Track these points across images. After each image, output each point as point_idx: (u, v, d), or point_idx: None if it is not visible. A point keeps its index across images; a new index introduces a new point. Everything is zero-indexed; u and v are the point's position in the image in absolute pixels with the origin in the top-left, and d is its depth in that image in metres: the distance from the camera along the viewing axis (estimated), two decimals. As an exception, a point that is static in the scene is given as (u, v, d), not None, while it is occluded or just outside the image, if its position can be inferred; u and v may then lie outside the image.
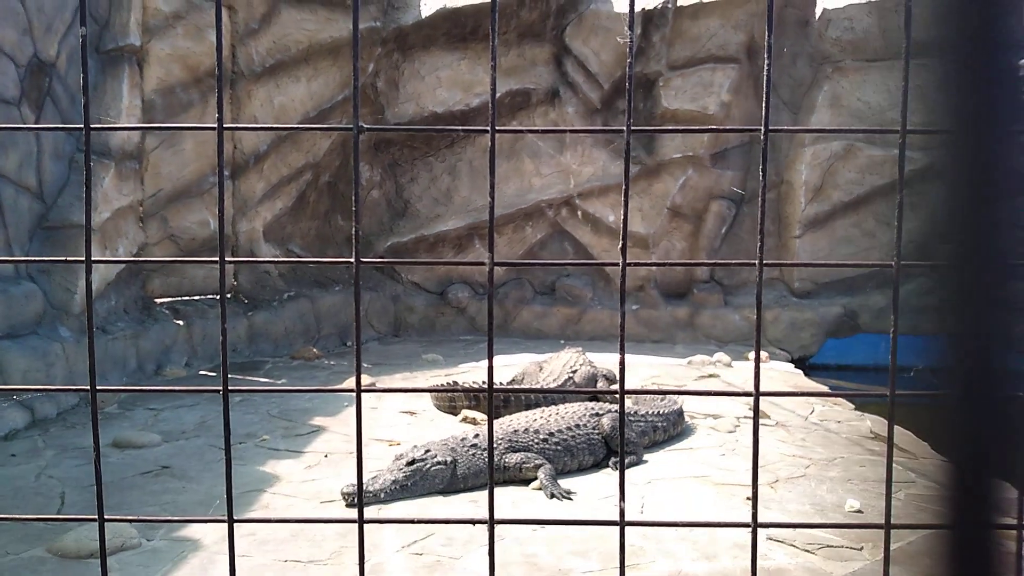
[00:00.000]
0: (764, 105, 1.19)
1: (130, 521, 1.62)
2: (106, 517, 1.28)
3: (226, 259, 1.25)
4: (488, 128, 1.22)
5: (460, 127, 1.38)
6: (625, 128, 1.20)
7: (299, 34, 9.61)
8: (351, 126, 1.22)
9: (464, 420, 6.37)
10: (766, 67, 1.13)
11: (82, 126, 1.22)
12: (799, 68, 10.83)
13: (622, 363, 1.42)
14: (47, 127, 1.31)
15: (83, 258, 1.25)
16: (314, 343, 9.69)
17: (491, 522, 1.37)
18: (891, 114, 10.53)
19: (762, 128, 1.21)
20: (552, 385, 6.84)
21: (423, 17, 10.52)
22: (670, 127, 1.63)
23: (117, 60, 7.67)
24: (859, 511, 4.49)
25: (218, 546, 3.87)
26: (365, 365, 8.64)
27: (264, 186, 9.65)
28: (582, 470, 5.26)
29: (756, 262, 1.29)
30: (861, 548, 3.97)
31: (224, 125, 1.24)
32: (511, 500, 4.67)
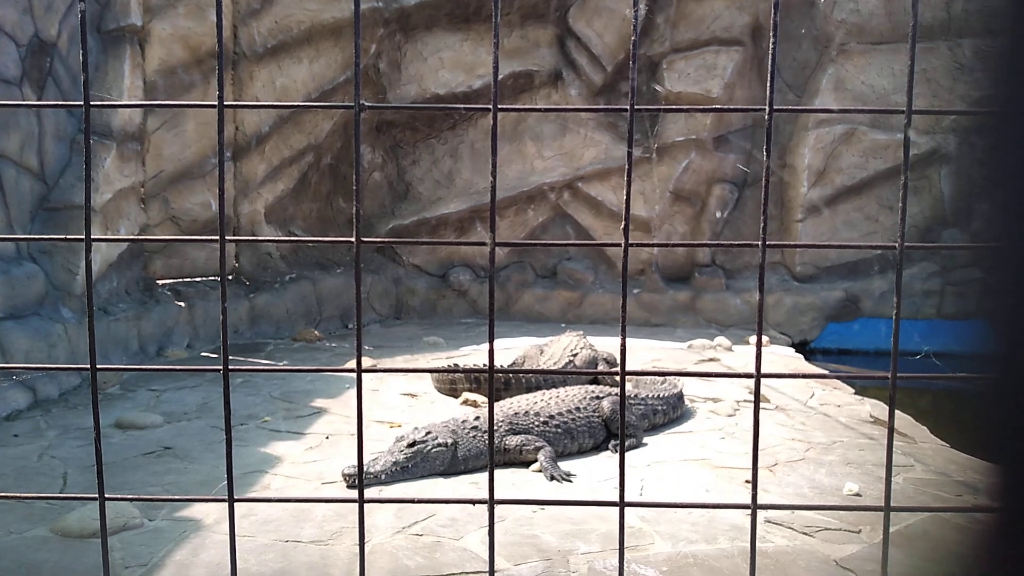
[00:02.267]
0: (769, 84, 1.18)
1: (131, 500, 1.63)
2: (107, 496, 1.29)
3: (226, 238, 1.25)
4: (490, 107, 1.21)
5: (462, 106, 1.37)
6: (629, 107, 1.19)
7: (301, 14, 9.56)
8: (352, 104, 1.21)
9: (465, 403, 6.38)
10: (771, 46, 1.12)
11: (81, 103, 1.21)
12: (803, 51, 10.76)
13: (623, 345, 1.42)
14: (47, 104, 1.30)
15: (83, 237, 1.25)
16: (316, 325, 9.70)
17: (491, 502, 1.37)
18: (896, 98, 10.47)
19: (766, 108, 1.20)
20: (553, 368, 6.86)
21: (425, -2, 10.45)
22: (673, 107, 1.63)
23: (118, 40, 7.63)
24: (857, 495, 4.50)
25: (219, 526, 3.89)
26: (366, 347, 8.65)
27: (266, 168, 9.63)
28: (582, 453, 5.27)
29: (759, 243, 1.28)
30: (859, 531, 3.99)
31: (224, 103, 1.23)
32: (511, 482, 4.69)
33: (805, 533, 3.94)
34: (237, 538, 3.73)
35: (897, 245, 1.18)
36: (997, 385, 0.80)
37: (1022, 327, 0.79)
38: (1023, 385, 0.79)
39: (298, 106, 1.33)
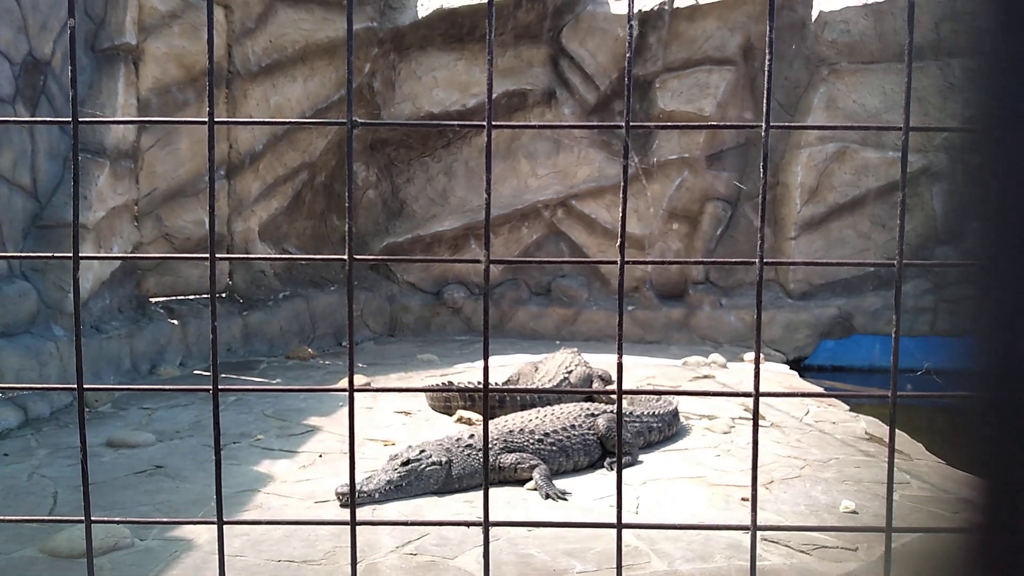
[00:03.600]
0: (766, 100, 1.18)
1: (116, 523, 1.60)
2: (93, 519, 1.27)
3: (216, 255, 1.24)
4: (484, 124, 1.20)
5: (456, 123, 1.37)
6: (624, 124, 1.18)
7: (295, 34, 9.59)
8: (344, 121, 1.21)
9: (459, 420, 6.35)
10: (767, 62, 1.12)
11: (70, 119, 1.20)
12: (795, 70, 10.84)
13: (619, 363, 1.40)
14: (35, 120, 1.29)
15: (70, 254, 1.23)
16: (309, 343, 9.66)
17: (486, 524, 1.36)
18: (887, 116, 10.53)
19: (763, 124, 1.19)
20: (548, 386, 6.84)
21: (420, 17, 10.49)
22: (669, 124, 1.63)
23: (113, 59, 7.64)
24: (854, 512, 4.48)
25: (211, 546, 3.85)
26: (360, 365, 8.61)
27: (260, 186, 9.63)
28: (577, 470, 5.24)
29: (756, 260, 1.28)
30: (856, 549, 3.96)
31: (215, 119, 1.22)
32: (506, 500, 4.66)
33: (802, 551, 3.91)
34: (229, 558, 3.68)
35: (896, 263, 1.18)
36: (986, 401, 0.79)
37: (1012, 344, 0.78)
38: (1012, 401, 0.78)
39: (290, 123, 1.32)
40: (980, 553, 0.78)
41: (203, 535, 3.95)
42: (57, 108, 7.06)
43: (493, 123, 1.21)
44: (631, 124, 1.19)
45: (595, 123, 10.92)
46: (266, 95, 9.46)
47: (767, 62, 1.16)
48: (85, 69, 7.48)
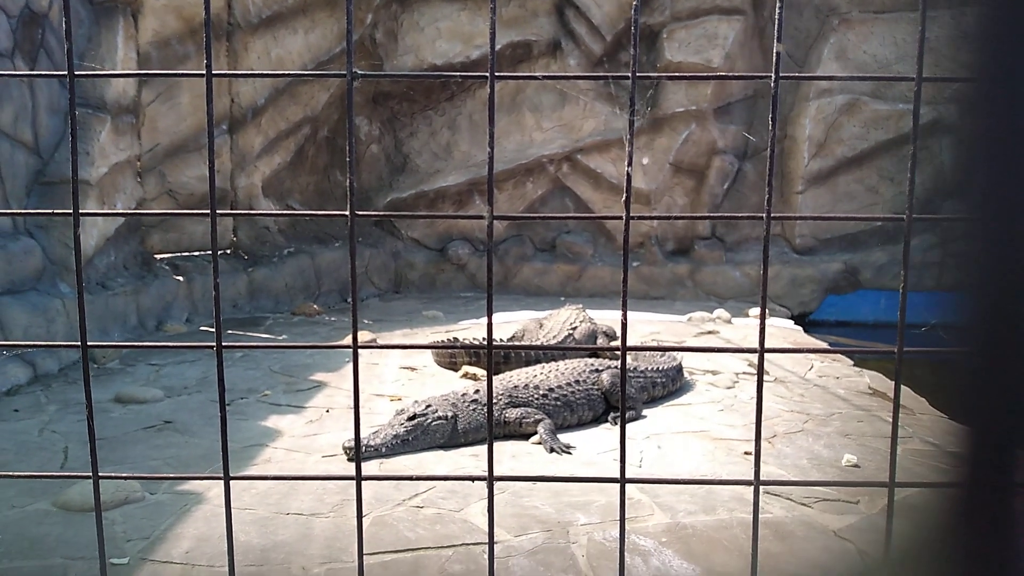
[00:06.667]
0: (775, 50, 1.15)
1: (124, 478, 1.62)
2: (100, 475, 1.28)
3: (217, 212, 1.22)
4: (487, 75, 1.18)
5: (457, 74, 1.34)
6: (630, 74, 1.16)
7: (295, -16, 9.42)
8: (344, 72, 1.18)
9: (465, 376, 6.39)
10: (777, 10, 1.09)
11: (65, 72, 1.18)
12: (805, 20, 10.62)
13: (624, 319, 1.40)
14: (30, 73, 1.27)
15: (70, 211, 1.22)
16: (314, 299, 9.68)
17: (490, 479, 1.36)
18: (898, 67, 10.35)
19: (772, 75, 1.16)
20: (552, 342, 6.86)
21: (422, -34, 10.29)
22: (676, 74, 1.60)
23: (111, 11, 7.51)
24: (856, 465, 4.52)
25: (221, 499, 3.90)
26: (366, 321, 8.64)
27: (262, 140, 9.55)
28: (581, 425, 5.29)
29: (763, 215, 1.26)
30: (857, 502, 4.00)
31: (213, 72, 1.20)
32: (511, 453, 4.71)
33: (803, 504, 3.96)
34: (238, 511, 3.73)
35: (905, 216, 1.16)
36: (973, 355, 0.79)
37: (1001, 298, 0.77)
38: (997, 356, 0.78)
39: (288, 75, 1.29)
40: (965, 502, 0.78)
41: (212, 488, 4.00)
42: (56, 62, 6.97)
43: (496, 74, 1.18)
44: (637, 75, 1.16)
45: (601, 74, 10.77)
46: (267, 48, 9.33)
47: (777, 11, 1.13)
48: (84, 22, 7.36)
